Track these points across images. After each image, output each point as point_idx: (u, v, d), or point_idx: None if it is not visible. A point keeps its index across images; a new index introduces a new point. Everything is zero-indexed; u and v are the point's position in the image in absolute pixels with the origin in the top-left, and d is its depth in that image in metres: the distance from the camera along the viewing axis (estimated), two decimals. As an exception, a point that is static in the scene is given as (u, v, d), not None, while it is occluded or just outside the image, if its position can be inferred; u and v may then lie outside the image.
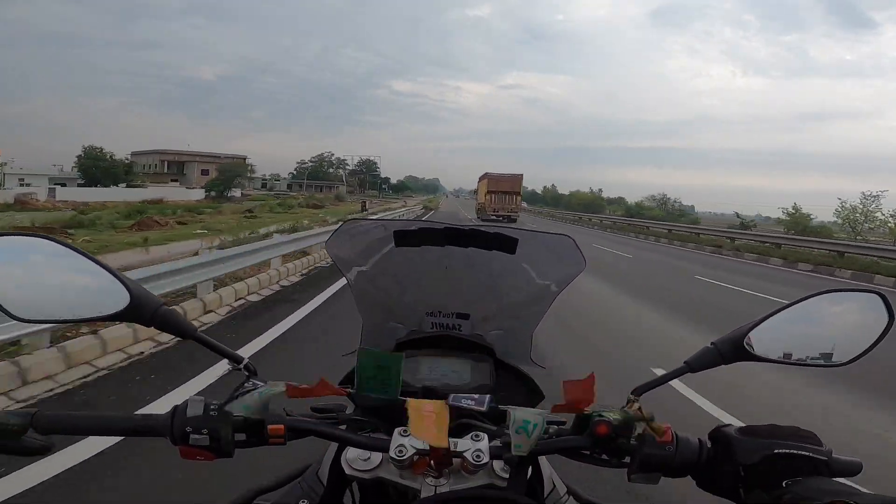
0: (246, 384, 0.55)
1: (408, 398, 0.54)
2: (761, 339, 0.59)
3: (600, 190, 76.86)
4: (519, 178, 30.53)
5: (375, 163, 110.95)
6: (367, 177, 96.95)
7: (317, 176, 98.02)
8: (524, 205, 47.55)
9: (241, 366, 0.58)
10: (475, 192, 36.17)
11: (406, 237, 0.72)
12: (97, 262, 0.54)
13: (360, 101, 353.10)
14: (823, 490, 0.45)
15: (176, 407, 0.51)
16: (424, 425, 0.52)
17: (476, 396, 0.56)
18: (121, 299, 0.53)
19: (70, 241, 0.60)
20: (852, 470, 0.50)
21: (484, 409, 0.56)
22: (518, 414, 0.52)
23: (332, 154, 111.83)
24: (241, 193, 50.47)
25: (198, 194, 45.19)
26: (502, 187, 29.84)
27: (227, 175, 50.63)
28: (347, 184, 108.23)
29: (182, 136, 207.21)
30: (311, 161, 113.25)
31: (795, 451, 0.49)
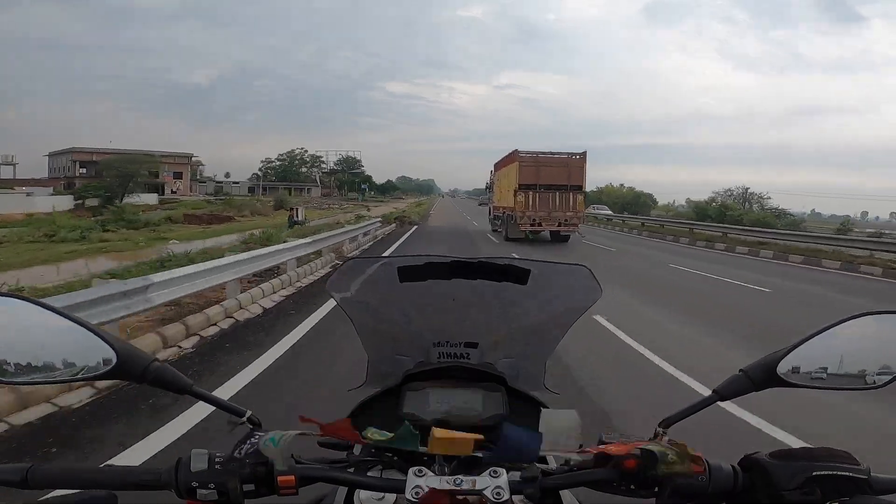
0: (252, 438, 0.55)
1: (433, 428, 0.56)
2: (794, 365, 0.60)
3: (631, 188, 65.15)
4: (579, 161, 16.03)
5: (357, 160, 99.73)
6: (346, 176, 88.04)
7: (286, 176, 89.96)
8: (594, 209, 31.80)
9: (245, 419, 0.58)
10: (488, 187, 22.51)
11: (411, 272, 0.73)
12: (75, 321, 0.55)
13: (354, 103, 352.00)
14: None
15: (179, 460, 0.52)
16: (446, 444, 0.54)
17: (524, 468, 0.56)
18: (107, 357, 0.55)
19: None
20: (894, 487, 0.50)
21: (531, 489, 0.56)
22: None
23: (305, 151, 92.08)
24: (158, 201, 40.91)
25: (64, 203, 32.38)
26: (550, 178, 15.71)
27: (115, 174, 34.02)
28: (322, 185, 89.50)
29: (179, 141, 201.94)
30: (278, 159, 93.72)
31: (835, 473, 0.49)
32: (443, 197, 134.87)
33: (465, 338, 0.79)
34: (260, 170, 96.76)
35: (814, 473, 0.50)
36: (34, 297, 0.55)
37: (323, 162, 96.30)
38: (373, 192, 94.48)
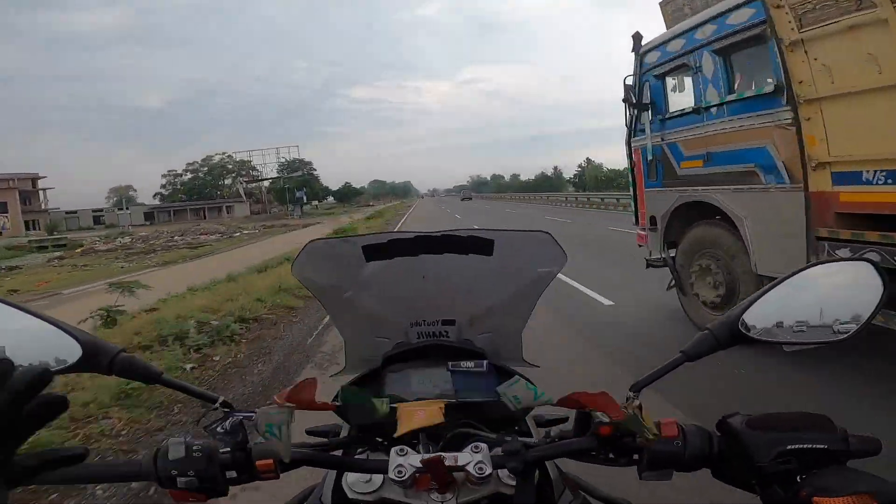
0: (230, 419, 0.58)
1: (398, 404, 0.60)
2: (756, 320, 0.62)
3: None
4: None
5: (308, 163, 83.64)
6: (290, 185, 68.47)
7: (203, 192, 56.59)
8: None
9: (217, 404, 0.61)
10: (639, 106, 4.96)
11: (376, 250, 0.76)
12: (40, 317, 0.58)
13: (318, 112, 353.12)
14: (840, 480, 0.47)
15: (157, 450, 0.54)
16: (414, 420, 0.58)
17: (472, 362, 0.63)
18: (73, 351, 0.57)
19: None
20: (871, 450, 0.52)
21: (483, 369, 0.64)
22: (512, 389, 0.63)
23: (231, 156, 64.57)
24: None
25: None
26: None
27: None
28: (255, 199, 62.10)
29: (133, 168, 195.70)
30: (189, 170, 66.13)
31: (809, 445, 0.51)
32: (422, 198, 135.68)
33: (442, 315, 0.83)
34: (164, 186, 68.61)
35: (788, 447, 0.51)
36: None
37: (254, 169, 69.29)
38: (323, 202, 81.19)
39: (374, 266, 0.76)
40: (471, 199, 79.35)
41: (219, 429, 0.56)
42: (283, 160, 77.41)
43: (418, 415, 0.60)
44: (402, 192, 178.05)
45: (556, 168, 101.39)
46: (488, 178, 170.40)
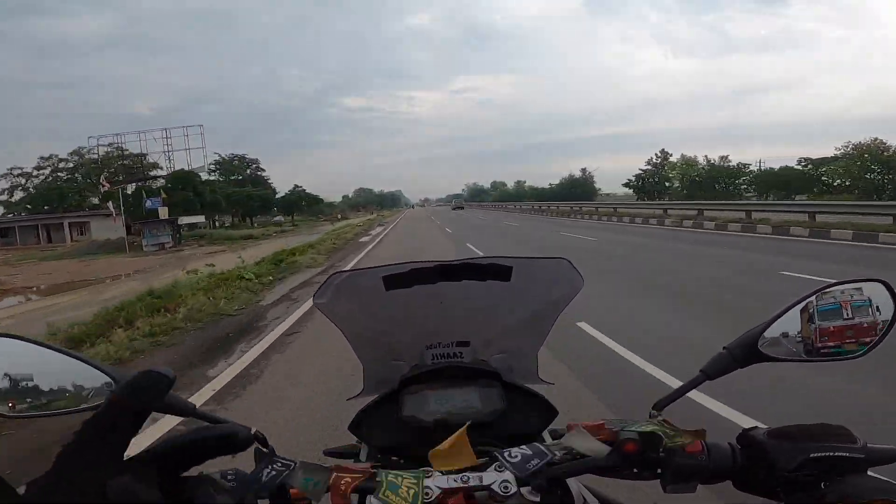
0: (272, 466, 0.61)
1: (430, 451, 0.67)
2: (774, 339, 0.70)
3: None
4: None
5: (254, 162, 66.49)
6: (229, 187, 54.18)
7: (66, 200, 30.21)
8: None
9: (252, 434, 0.65)
10: None
11: (396, 280, 0.84)
12: (71, 355, 0.64)
13: (311, 122, 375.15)
14: (863, 488, 0.53)
15: (197, 477, 0.62)
16: (450, 460, 0.64)
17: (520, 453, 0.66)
18: (107, 387, 0.63)
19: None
20: (890, 458, 0.58)
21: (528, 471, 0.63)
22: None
23: (107, 146, 37.04)
24: None
25: None
26: None
27: None
28: (127, 212, 33.90)
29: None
30: (38, 169, 39.43)
31: (832, 454, 0.57)
32: (412, 208, 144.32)
33: (457, 337, 0.92)
34: (7, 192, 43.27)
35: (811, 455, 0.57)
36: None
37: (156, 167, 44.72)
38: (219, 225, 54.69)
39: (393, 294, 0.86)
40: (462, 208, 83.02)
41: (262, 471, 0.62)
42: (217, 157, 63.97)
43: (449, 449, 0.65)
44: (391, 201, 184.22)
45: (584, 170, 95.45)
46: (487, 186, 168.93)
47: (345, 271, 0.88)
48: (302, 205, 73.15)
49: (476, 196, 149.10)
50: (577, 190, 76.34)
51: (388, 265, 0.85)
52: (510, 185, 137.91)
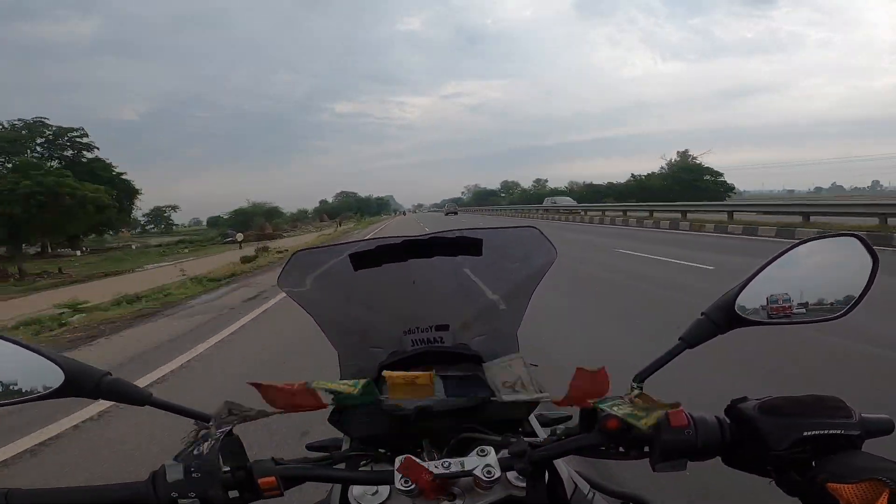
0: (216, 431, 0.63)
1: (384, 371, 0.68)
2: (751, 302, 0.69)
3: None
4: None
5: (77, 131, 41.59)
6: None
7: None
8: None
9: (212, 423, 0.66)
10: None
11: (364, 258, 0.84)
12: (20, 344, 0.65)
13: (302, 126, 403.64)
14: (854, 466, 0.53)
15: (154, 473, 0.59)
16: (407, 388, 0.64)
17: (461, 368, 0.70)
18: (56, 376, 0.64)
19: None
20: (884, 429, 0.59)
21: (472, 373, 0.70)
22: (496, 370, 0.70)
23: None
24: None
25: None
26: None
27: None
28: None
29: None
30: None
31: (826, 432, 0.57)
32: (404, 214, 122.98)
33: (435, 321, 0.92)
34: None
35: (804, 434, 0.57)
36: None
37: None
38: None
39: (362, 274, 0.86)
40: (456, 213, 74.59)
41: (208, 446, 0.62)
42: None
43: (406, 386, 0.66)
44: (377, 207, 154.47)
45: (676, 156, 67.36)
46: (495, 188, 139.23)
47: (309, 248, 0.86)
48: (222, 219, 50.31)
49: (484, 199, 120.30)
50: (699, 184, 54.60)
51: (353, 242, 0.83)
52: (524, 185, 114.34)
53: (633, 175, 58.48)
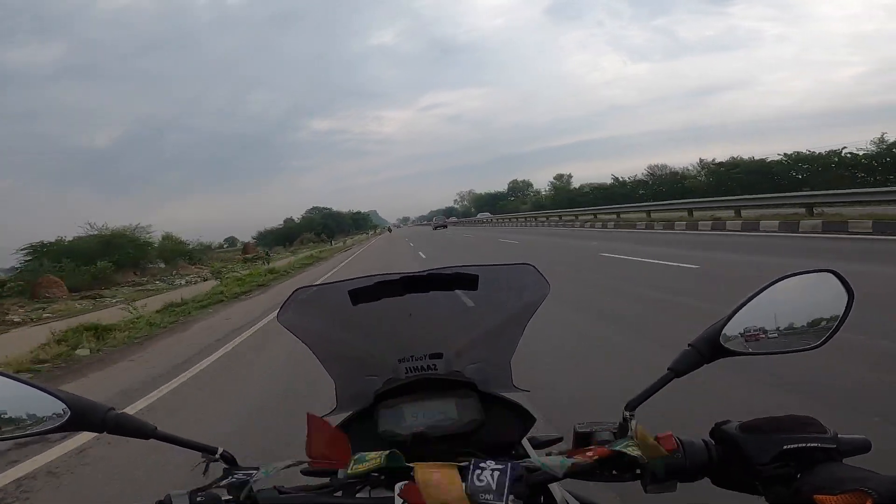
0: (233, 476, 0.65)
1: (415, 464, 0.67)
2: (736, 333, 0.75)
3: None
4: None
5: None
6: None
7: None
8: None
9: (218, 455, 0.69)
10: None
11: (362, 294, 0.88)
12: (25, 382, 0.67)
13: (280, 146, 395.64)
14: (837, 478, 0.56)
15: (159, 502, 0.61)
16: (440, 495, 0.65)
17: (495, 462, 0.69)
18: (60, 412, 0.66)
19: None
20: (860, 448, 0.63)
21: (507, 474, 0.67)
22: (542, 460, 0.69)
23: None
24: None
25: None
26: None
27: None
28: None
29: (89, 215, 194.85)
30: None
31: (804, 445, 0.62)
32: (389, 231, 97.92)
33: (429, 350, 0.95)
34: None
35: (784, 447, 0.62)
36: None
37: None
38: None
39: (360, 309, 0.89)
40: (445, 227, 64.41)
41: (221, 483, 0.64)
42: None
43: (435, 476, 0.66)
44: (354, 224, 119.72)
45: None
46: (502, 189, 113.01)
47: (310, 286, 0.89)
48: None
49: (493, 204, 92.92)
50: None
51: (353, 279, 0.87)
52: (539, 186, 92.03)
53: (613, 176, 52.90)
